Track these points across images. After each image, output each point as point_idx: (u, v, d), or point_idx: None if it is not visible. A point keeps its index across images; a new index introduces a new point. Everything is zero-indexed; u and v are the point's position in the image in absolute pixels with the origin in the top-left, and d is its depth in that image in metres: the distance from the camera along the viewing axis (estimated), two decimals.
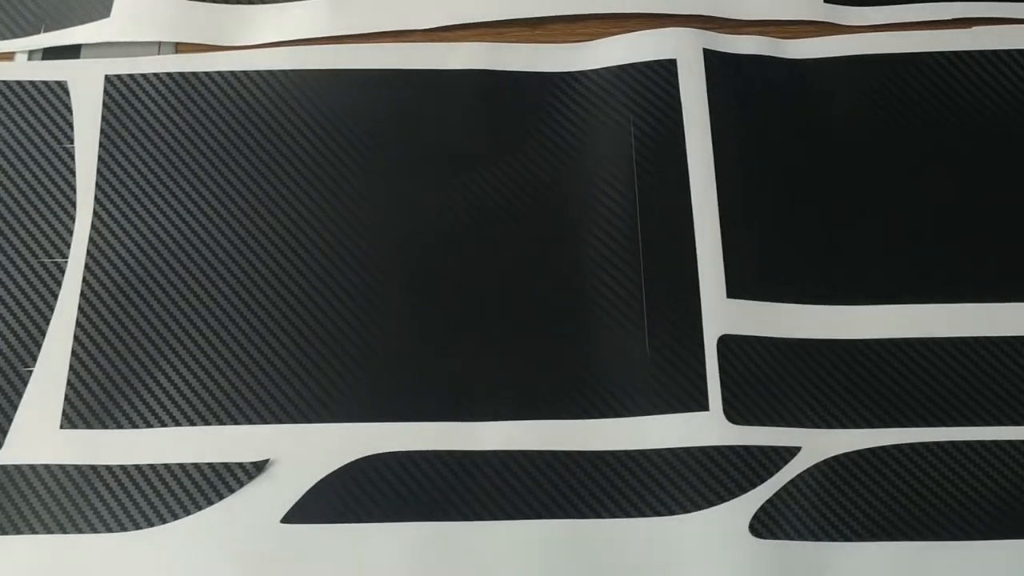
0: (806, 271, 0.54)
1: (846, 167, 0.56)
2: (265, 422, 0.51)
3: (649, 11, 0.60)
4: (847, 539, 0.49)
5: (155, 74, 0.58)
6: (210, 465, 0.50)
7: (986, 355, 0.52)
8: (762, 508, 0.49)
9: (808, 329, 0.53)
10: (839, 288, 0.53)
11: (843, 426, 0.51)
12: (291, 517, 0.49)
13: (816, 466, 0.50)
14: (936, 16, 0.60)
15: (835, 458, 0.50)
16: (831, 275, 0.54)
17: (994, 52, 0.59)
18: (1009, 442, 0.50)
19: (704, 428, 0.50)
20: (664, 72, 0.57)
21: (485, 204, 0.55)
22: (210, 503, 0.49)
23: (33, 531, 0.49)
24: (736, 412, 0.51)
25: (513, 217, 0.55)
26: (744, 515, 0.49)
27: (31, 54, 0.59)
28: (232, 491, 0.49)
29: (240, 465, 0.50)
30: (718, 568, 0.48)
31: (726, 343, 0.52)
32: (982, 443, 0.51)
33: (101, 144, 0.56)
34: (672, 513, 0.49)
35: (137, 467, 0.50)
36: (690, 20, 0.60)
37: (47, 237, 0.54)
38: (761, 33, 0.60)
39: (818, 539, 0.49)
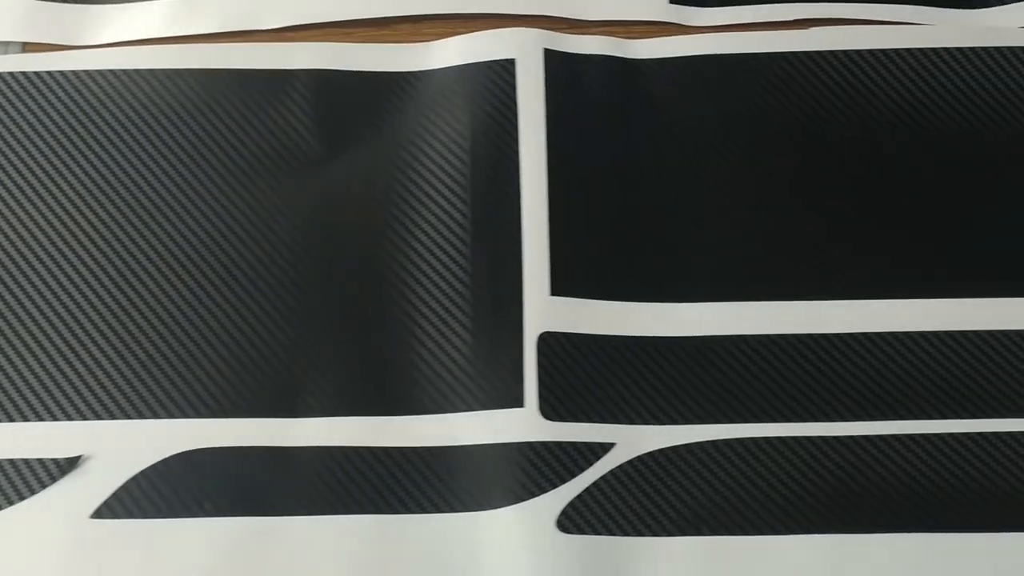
0: (631, 269, 0.54)
1: (681, 166, 0.57)
2: (84, 418, 0.51)
3: (495, 12, 0.61)
4: (655, 534, 0.49)
5: None
6: (24, 460, 0.50)
7: (806, 352, 0.53)
8: (570, 504, 0.50)
9: (630, 327, 0.53)
10: (663, 286, 0.54)
11: (659, 423, 0.52)
12: (102, 513, 0.49)
13: (629, 462, 0.51)
14: (777, 17, 0.61)
15: (649, 454, 0.51)
16: (656, 273, 0.54)
17: (831, 52, 0.59)
18: (821, 438, 0.51)
19: (517, 424, 0.51)
20: (502, 72, 0.58)
21: (321, 202, 0.56)
22: (22, 498, 0.50)
23: None
24: (551, 409, 0.51)
25: (347, 214, 0.55)
26: (552, 510, 0.49)
27: None
28: (44, 486, 0.50)
29: (54, 461, 0.50)
30: (522, 562, 0.49)
31: (546, 340, 0.52)
32: (795, 439, 0.51)
33: None
34: (481, 508, 0.50)
35: None
36: (537, 20, 0.61)
37: None
38: (607, 34, 0.61)
39: (626, 534, 0.49)
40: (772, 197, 0.56)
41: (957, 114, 0.58)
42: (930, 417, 0.51)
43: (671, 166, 0.57)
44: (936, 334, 0.53)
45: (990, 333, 0.53)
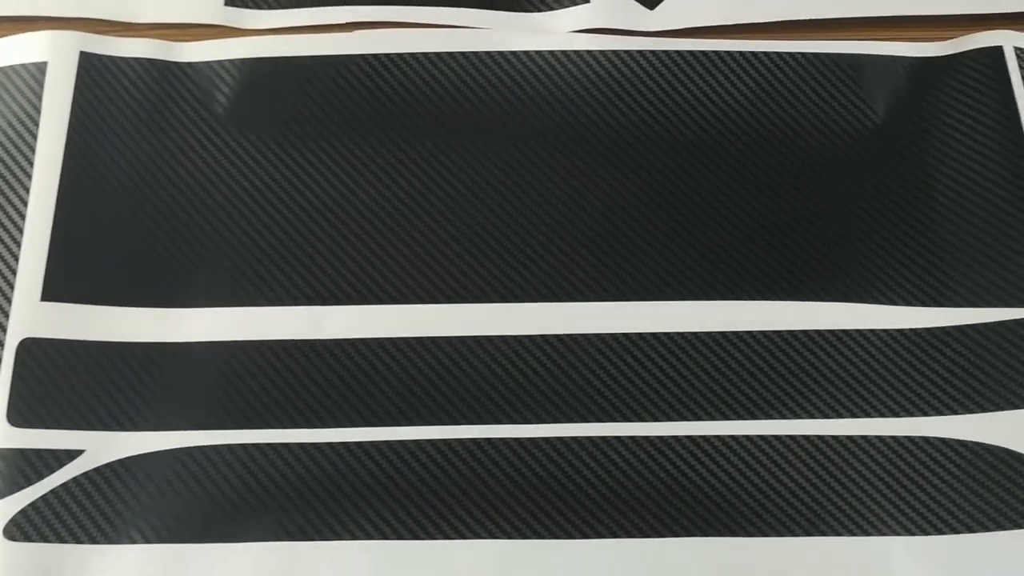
0: (131, 276, 0.54)
1: (213, 171, 0.56)
2: None
3: (57, 15, 0.60)
4: (111, 541, 0.49)
5: None
6: None
7: (311, 356, 0.52)
8: (22, 511, 0.49)
9: (120, 332, 0.53)
10: (162, 292, 0.54)
11: (137, 429, 0.51)
12: None
13: (96, 469, 0.50)
14: (331, 20, 0.61)
15: (119, 461, 0.51)
16: (156, 280, 0.54)
17: (375, 56, 0.59)
18: (312, 444, 0.51)
19: None
20: (31, 75, 0.57)
21: None
22: None
23: None
24: (20, 415, 0.51)
25: None
26: (1, 519, 0.49)
27: None
28: None
29: None
30: None
31: (27, 346, 0.52)
32: (270, 445, 0.51)
33: None
34: None
35: None
36: (94, 24, 0.60)
37: None
38: (162, 36, 0.60)
39: (79, 541, 0.49)
40: (310, 201, 0.56)
41: (514, 114, 0.58)
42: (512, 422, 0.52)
43: (201, 171, 0.56)
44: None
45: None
